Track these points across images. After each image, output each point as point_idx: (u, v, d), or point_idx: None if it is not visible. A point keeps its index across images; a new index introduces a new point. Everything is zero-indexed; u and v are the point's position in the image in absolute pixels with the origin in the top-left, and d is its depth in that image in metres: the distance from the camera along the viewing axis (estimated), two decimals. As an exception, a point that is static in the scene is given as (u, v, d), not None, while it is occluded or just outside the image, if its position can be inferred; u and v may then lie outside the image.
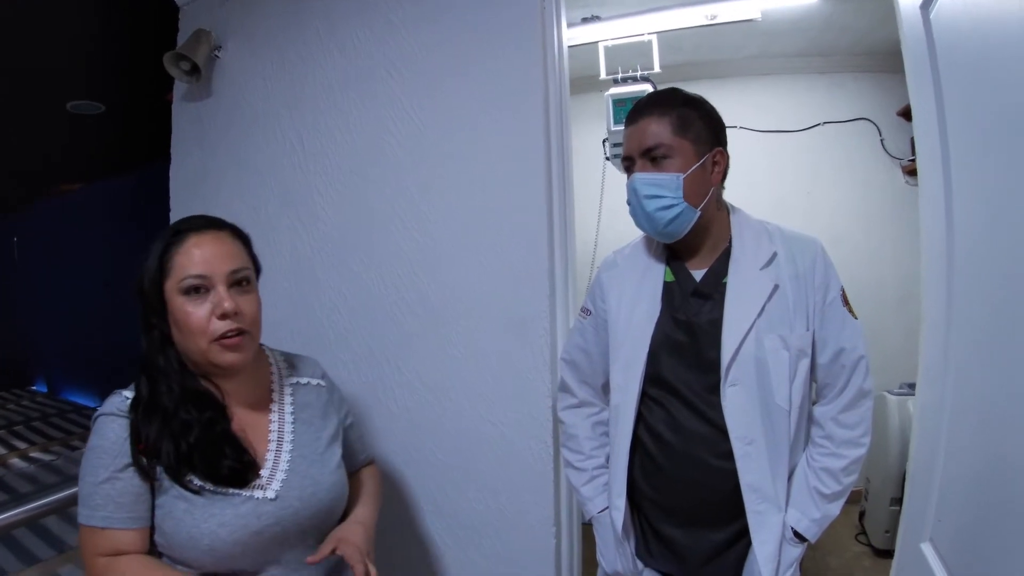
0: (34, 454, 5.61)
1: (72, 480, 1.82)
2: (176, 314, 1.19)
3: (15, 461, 5.46)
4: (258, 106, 2.13)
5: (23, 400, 8.17)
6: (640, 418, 1.41)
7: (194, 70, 2.14)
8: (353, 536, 1.27)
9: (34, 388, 8.93)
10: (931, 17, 1.21)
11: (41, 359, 8.84)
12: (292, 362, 1.44)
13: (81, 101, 4.44)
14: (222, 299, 1.19)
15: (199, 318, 1.18)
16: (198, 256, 1.20)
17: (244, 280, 1.25)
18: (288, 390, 1.37)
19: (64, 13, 3.05)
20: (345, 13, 1.97)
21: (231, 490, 1.17)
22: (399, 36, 1.89)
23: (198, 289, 1.19)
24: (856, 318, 1.36)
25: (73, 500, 1.81)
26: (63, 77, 3.97)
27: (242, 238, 1.31)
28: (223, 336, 1.19)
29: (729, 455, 1.31)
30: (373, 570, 1.21)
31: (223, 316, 1.18)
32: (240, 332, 1.21)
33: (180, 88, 2.31)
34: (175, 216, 2.29)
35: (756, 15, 2.86)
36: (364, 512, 1.40)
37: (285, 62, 2.07)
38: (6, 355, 9.61)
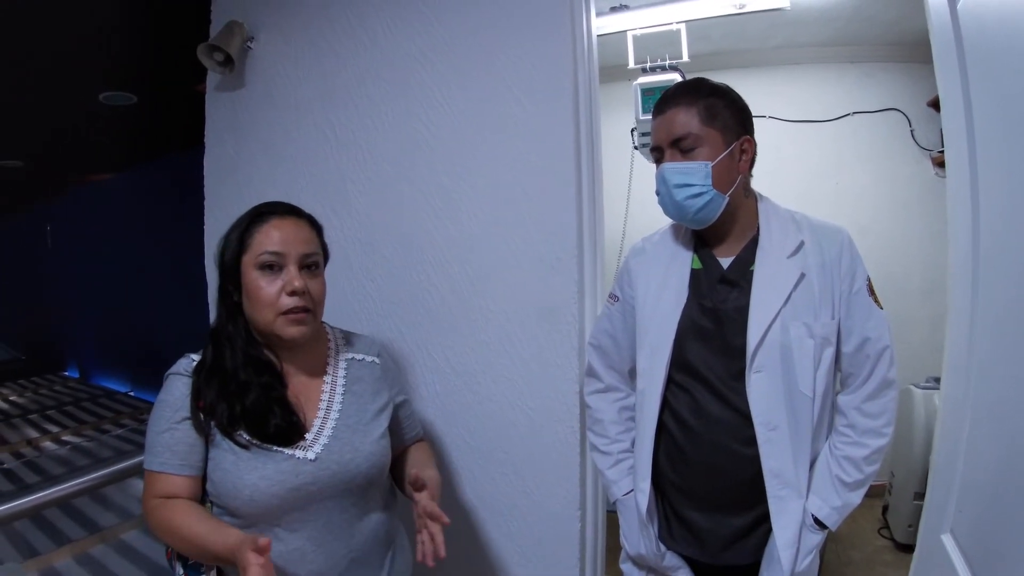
0: (66, 437, 5.74)
1: (103, 462, 1.88)
2: (249, 286, 1.30)
3: (48, 444, 5.59)
4: (290, 96, 2.16)
5: (56, 385, 8.34)
6: (665, 403, 1.43)
7: (227, 61, 2.17)
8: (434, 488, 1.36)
9: (66, 373, 9.12)
10: (958, 8, 1.20)
11: (73, 345, 9.03)
12: (349, 339, 1.53)
13: (114, 92, 4.51)
14: (292, 277, 1.30)
15: (270, 293, 1.29)
16: (277, 236, 1.31)
17: (314, 264, 1.36)
18: (343, 364, 1.46)
19: (97, 5, 3.11)
20: (376, 4, 1.99)
21: (276, 448, 1.27)
22: (429, 26, 1.90)
23: (272, 266, 1.30)
24: (882, 308, 1.37)
25: (104, 482, 1.88)
26: (96, 69, 4.04)
27: (316, 228, 1.41)
28: (289, 311, 1.29)
29: (752, 441, 1.33)
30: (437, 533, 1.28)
31: (292, 293, 1.29)
32: (305, 310, 1.31)
33: (213, 79, 2.34)
34: (209, 205, 2.34)
35: (784, 4, 2.84)
36: (433, 473, 1.47)
37: (317, 53, 2.10)
38: (40, 341, 9.84)
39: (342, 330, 1.55)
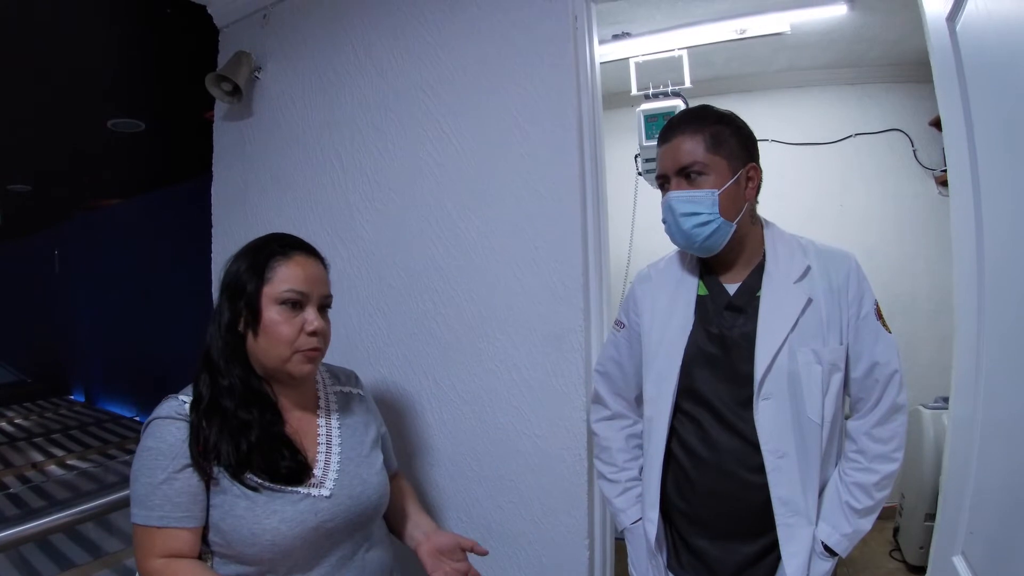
0: (71, 462, 5.72)
1: (109, 488, 1.85)
2: (267, 321, 1.26)
3: (53, 468, 5.58)
4: (297, 125, 2.19)
5: (61, 409, 8.35)
6: (673, 431, 1.42)
7: (235, 90, 2.21)
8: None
9: (72, 397, 9.12)
10: (957, 29, 1.22)
11: (79, 369, 9.04)
12: (334, 372, 1.51)
13: (121, 119, 4.56)
14: (313, 318, 1.28)
15: (289, 331, 1.26)
16: (301, 275, 1.29)
17: (327, 306, 1.35)
18: (333, 398, 1.44)
19: (107, 35, 3.16)
20: (381, 34, 2.03)
21: (288, 488, 1.23)
22: (434, 56, 1.93)
23: (295, 303, 1.27)
24: (890, 332, 1.36)
25: (110, 508, 1.84)
26: (104, 95, 4.09)
27: (327, 267, 1.40)
28: (306, 350, 1.27)
29: (760, 469, 1.31)
30: None
31: (312, 334, 1.27)
32: (317, 349, 1.30)
33: (221, 108, 2.38)
34: (217, 232, 2.36)
35: (785, 28, 2.88)
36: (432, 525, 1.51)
37: (324, 83, 2.13)
38: (45, 364, 9.86)
39: (324, 364, 1.51)
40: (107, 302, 7.83)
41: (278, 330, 1.25)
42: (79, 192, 7.05)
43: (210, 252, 2.35)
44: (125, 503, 1.85)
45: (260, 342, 1.27)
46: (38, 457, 5.86)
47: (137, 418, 7.34)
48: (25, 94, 3.90)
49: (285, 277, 1.27)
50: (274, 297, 1.26)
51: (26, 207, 7.52)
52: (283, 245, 1.32)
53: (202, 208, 2.42)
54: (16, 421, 7.56)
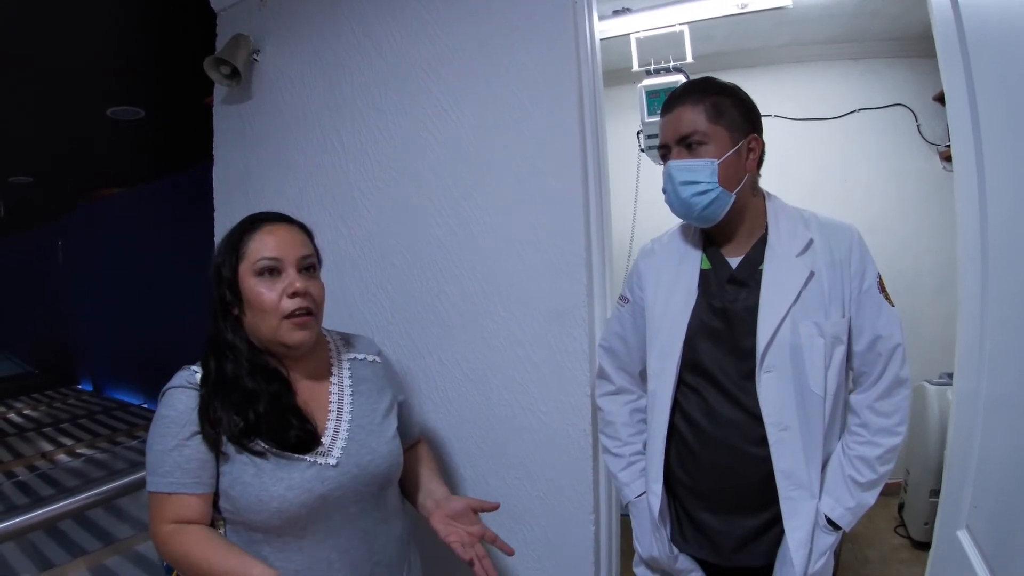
0: (80, 450, 5.76)
1: (117, 475, 1.87)
2: (249, 294, 1.27)
3: (62, 457, 5.62)
4: (297, 107, 2.18)
5: (69, 399, 8.40)
6: (676, 405, 1.43)
7: (234, 74, 2.20)
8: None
9: (80, 387, 9.17)
10: (960, 1, 1.20)
11: (86, 359, 9.08)
12: (349, 340, 1.52)
13: (121, 107, 4.54)
14: (293, 279, 1.28)
15: (272, 297, 1.27)
16: (272, 242, 1.30)
17: (311, 266, 1.36)
18: (346, 365, 1.44)
19: (103, 21, 3.14)
20: (380, 14, 2.01)
21: (296, 456, 1.24)
22: (434, 35, 1.92)
23: (271, 271, 1.28)
24: (893, 306, 1.36)
25: (118, 493, 1.85)
26: (103, 84, 4.08)
27: (308, 232, 1.40)
28: (292, 314, 1.27)
29: (763, 441, 1.32)
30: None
31: (294, 294, 1.27)
32: (308, 312, 1.29)
33: (220, 92, 2.37)
34: (219, 217, 2.35)
35: (787, 2, 2.84)
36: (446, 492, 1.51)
37: (323, 64, 2.12)
38: (53, 355, 9.90)
39: (339, 332, 1.54)
40: (112, 291, 7.85)
41: (261, 299, 1.27)
42: (81, 183, 7.05)
43: (213, 237, 2.34)
44: (133, 488, 1.87)
45: (249, 317, 1.29)
46: (47, 447, 5.90)
47: (145, 405, 7.37)
48: (24, 84, 3.89)
49: (256, 248, 1.29)
50: (251, 270, 1.28)
51: (28, 199, 7.53)
52: (253, 221, 1.34)
53: (205, 195, 2.42)
54: (25, 412, 7.61)
